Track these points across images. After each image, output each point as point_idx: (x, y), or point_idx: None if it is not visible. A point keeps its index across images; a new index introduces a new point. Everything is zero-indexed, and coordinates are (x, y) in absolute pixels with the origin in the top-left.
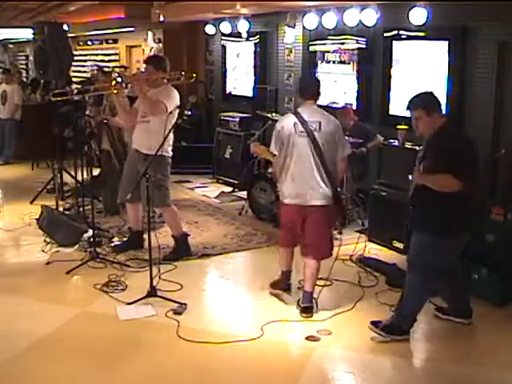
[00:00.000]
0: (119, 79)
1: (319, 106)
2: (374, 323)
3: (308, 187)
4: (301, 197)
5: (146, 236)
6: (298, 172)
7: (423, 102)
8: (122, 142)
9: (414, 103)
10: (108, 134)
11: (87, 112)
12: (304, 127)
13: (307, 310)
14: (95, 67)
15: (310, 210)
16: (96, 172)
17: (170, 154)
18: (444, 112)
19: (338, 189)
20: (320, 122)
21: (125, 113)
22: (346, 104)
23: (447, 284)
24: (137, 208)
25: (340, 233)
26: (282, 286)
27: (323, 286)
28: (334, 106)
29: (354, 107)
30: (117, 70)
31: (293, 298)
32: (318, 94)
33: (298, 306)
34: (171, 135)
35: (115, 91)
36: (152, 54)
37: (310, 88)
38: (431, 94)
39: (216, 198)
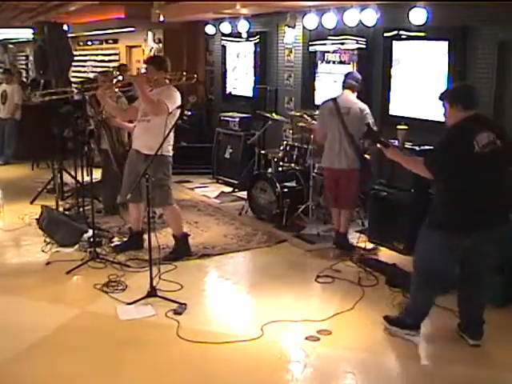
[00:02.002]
0: (120, 77)
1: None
2: (385, 318)
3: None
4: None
5: (146, 236)
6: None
7: (449, 93)
8: (121, 143)
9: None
10: (107, 133)
11: (88, 112)
12: (337, 111)
13: (343, 246)
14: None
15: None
16: (96, 172)
17: (171, 153)
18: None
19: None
20: (350, 108)
21: (115, 109)
22: None
23: (460, 291)
24: (139, 208)
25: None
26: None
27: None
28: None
29: None
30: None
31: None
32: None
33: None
34: (172, 135)
35: (116, 89)
36: (152, 54)
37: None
38: (466, 87)
39: (216, 198)
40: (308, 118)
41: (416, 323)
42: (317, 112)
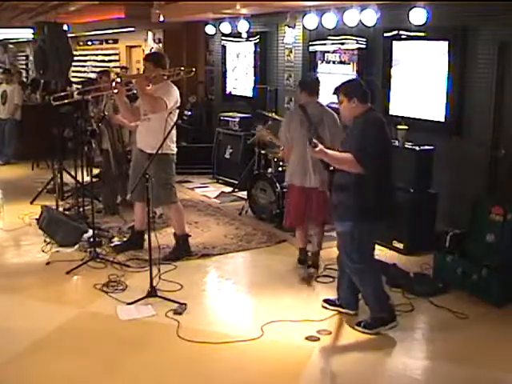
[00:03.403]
0: (118, 79)
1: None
2: (358, 324)
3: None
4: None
5: (146, 236)
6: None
7: (345, 88)
8: (122, 142)
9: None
10: (108, 132)
11: (90, 112)
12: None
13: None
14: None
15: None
16: (96, 172)
17: (175, 150)
18: (444, 112)
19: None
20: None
21: (128, 111)
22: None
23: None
24: (145, 207)
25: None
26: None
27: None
28: (334, 106)
29: None
30: (115, 70)
31: None
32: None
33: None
34: (174, 132)
35: (115, 91)
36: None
37: (314, 86)
38: (357, 81)
39: (216, 198)
40: (271, 137)
41: (391, 313)
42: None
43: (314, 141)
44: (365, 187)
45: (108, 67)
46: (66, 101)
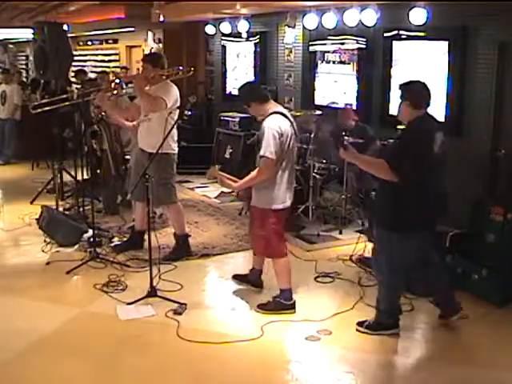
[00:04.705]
0: (117, 80)
1: (320, 106)
2: (360, 324)
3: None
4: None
5: (146, 236)
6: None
7: (406, 90)
8: (120, 142)
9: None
10: (106, 132)
11: (91, 112)
12: (293, 129)
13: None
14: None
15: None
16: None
17: (176, 150)
18: (444, 112)
19: None
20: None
21: (117, 110)
22: (346, 104)
23: (427, 280)
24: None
25: (340, 233)
26: None
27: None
28: (334, 106)
29: (354, 107)
30: (115, 70)
31: None
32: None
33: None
34: (175, 131)
35: (115, 91)
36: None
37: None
38: (417, 83)
39: (216, 198)
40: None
41: (396, 321)
42: (317, 112)
43: (346, 143)
44: (399, 198)
45: (108, 67)
46: (46, 108)
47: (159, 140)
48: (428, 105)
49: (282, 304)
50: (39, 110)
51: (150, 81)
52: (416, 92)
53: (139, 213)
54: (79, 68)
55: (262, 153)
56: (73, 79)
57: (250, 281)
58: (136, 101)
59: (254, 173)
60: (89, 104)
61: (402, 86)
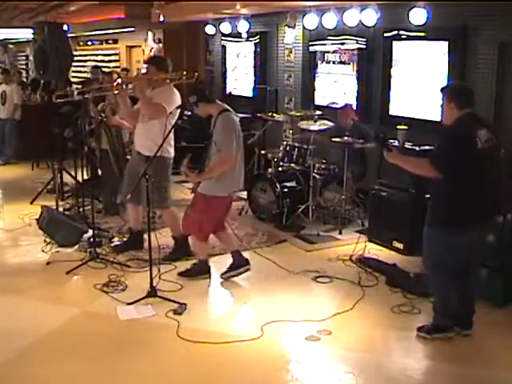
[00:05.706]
0: (119, 80)
1: (320, 106)
2: (419, 329)
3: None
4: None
5: (146, 236)
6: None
7: (449, 90)
8: (122, 143)
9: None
10: (107, 133)
11: (91, 112)
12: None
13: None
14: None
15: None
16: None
17: (172, 154)
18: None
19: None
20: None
21: (128, 113)
22: (347, 104)
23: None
24: (137, 209)
25: (340, 233)
26: None
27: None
28: (334, 106)
29: (354, 107)
30: (117, 70)
31: None
32: None
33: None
34: (171, 135)
35: (116, 91)
36: (152, 54)
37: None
38: (466, 87)
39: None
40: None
41: (454, 323)
42: (316, 112)
43: (389, 145)
44: (447, 195)
45: (108, 67)
46: (67, 99)
47: (155, 142)
48: (471, 104)
49: (199, 269)
50: (62, 101)
51: (154, 83)
52: (460, 93)
53: (132, 215)
54: (95, 64)
55: (223, 147)
56: (88, 75)
57: (238, 266)
58: (137, 105)
59: (213, 165)
60: (88, 104)
61: (445, 89)
